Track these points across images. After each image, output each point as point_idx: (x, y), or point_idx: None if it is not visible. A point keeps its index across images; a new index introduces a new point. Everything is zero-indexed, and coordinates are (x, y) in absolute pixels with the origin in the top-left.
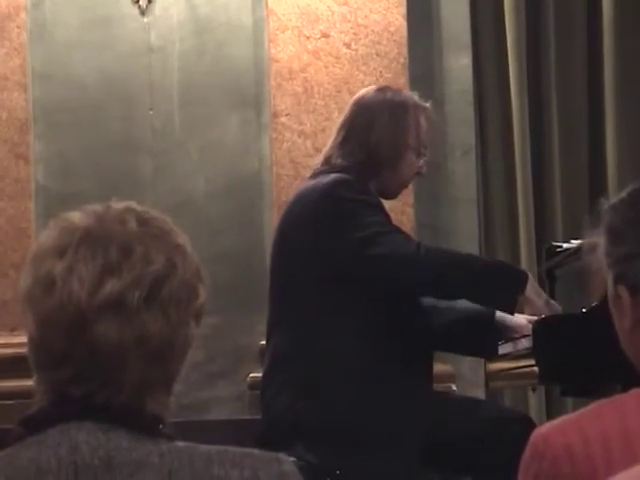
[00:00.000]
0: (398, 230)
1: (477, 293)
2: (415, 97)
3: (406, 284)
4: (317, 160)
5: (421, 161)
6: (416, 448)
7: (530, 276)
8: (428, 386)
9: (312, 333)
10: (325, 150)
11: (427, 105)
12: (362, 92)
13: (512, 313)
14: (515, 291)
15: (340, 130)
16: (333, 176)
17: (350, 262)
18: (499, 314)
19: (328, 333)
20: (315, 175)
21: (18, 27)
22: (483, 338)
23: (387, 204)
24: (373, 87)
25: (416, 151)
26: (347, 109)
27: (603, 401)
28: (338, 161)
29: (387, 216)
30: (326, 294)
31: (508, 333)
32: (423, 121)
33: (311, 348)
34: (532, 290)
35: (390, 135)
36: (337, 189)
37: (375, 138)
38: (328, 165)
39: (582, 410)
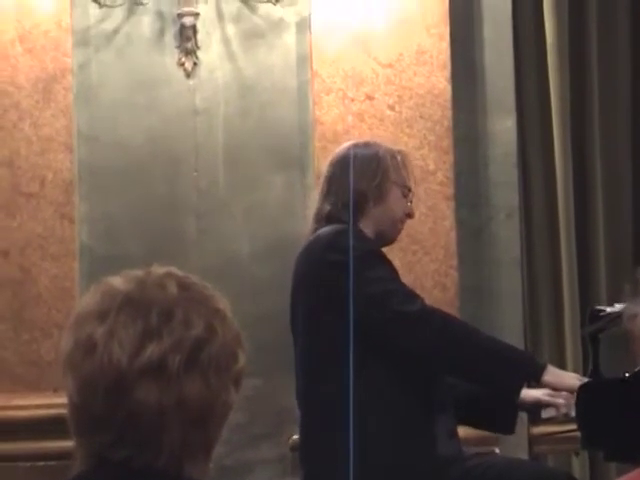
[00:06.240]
0: (403, 284)
1: (481, 371)
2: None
3: (411, 344)
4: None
5: (408, 203)
6: None
7: (549, 366)
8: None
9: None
10: (314, 209)
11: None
12: (335, 151)
13: (514, 400)
14: (522, 379)
15: (322, 186)
16: (331, 227)
17: (359, 319)
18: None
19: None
20: (310, 234)
21: (64, 89)
22: (503, 414)
23: (429, 266)
24: (344, 144)
25: (401, 188)
26: (325, 169)
27: None
28: (326, 208)
29: (389, 263)
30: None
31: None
32: (401, 161)
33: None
34: (553, 376)
35: (370, 171)
36: (338, 239)
37: (356, 176)
38: (319, 217)
39: (625, 476)
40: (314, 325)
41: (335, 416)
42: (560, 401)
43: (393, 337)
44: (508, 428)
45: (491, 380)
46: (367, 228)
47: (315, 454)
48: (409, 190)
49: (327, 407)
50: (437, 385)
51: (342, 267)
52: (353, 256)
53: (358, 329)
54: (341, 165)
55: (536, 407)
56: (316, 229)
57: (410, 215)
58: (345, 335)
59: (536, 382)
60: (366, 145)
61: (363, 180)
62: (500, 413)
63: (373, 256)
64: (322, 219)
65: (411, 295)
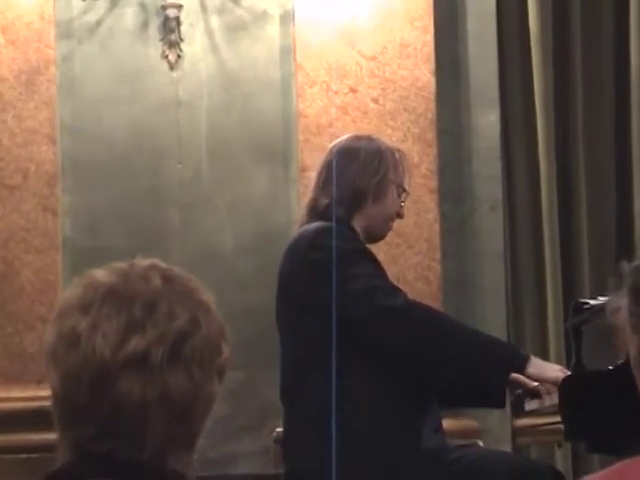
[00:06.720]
0: (387, 280)
1: (465, 364)
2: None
3: (394, 338)
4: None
5: (401, 203)
6: None
7: (532, 357)
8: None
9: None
10: (308, 199)
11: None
12: (336, 141)
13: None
14: (506, 371)
15: (320, 175)
16: (316, 225)
17: (344, 315)
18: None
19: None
20: (302, 225)
21: (48, 81)
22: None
23: (413, 259)
24: (346, 135)
25: (397, 188)
26: (323, 157)
27: (628, 460)
28: (323, 201)
29: (375, 260)
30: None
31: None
32: (399, 160)
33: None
34: (536, 368)
35: (373, 167)
36: (322, 238)
37: (357, 171)
38: (314, 209)
39: (607, 469)
40: (298, 323)
41: (320, 414)
42: (534, 384)
43: (377, 332)
44: (499, 402)
45: (474, 373)
46: (358, 225)
47: (298, 451)
48: (404, 190)
49: (312, 405)
50: None
51: (325, 266)
52: (336, 255)
53: (343, 327)
54: (343, 157)
55: (517, 386)
56: (307, 222)
57: (400, 215)
58: (329, 333)
59: (520, 374)
60: (370, 139)
61: (365, 177)
62: (488, 389)
63: (356, 253)
64: (316, 214)
65: (394, 290)
